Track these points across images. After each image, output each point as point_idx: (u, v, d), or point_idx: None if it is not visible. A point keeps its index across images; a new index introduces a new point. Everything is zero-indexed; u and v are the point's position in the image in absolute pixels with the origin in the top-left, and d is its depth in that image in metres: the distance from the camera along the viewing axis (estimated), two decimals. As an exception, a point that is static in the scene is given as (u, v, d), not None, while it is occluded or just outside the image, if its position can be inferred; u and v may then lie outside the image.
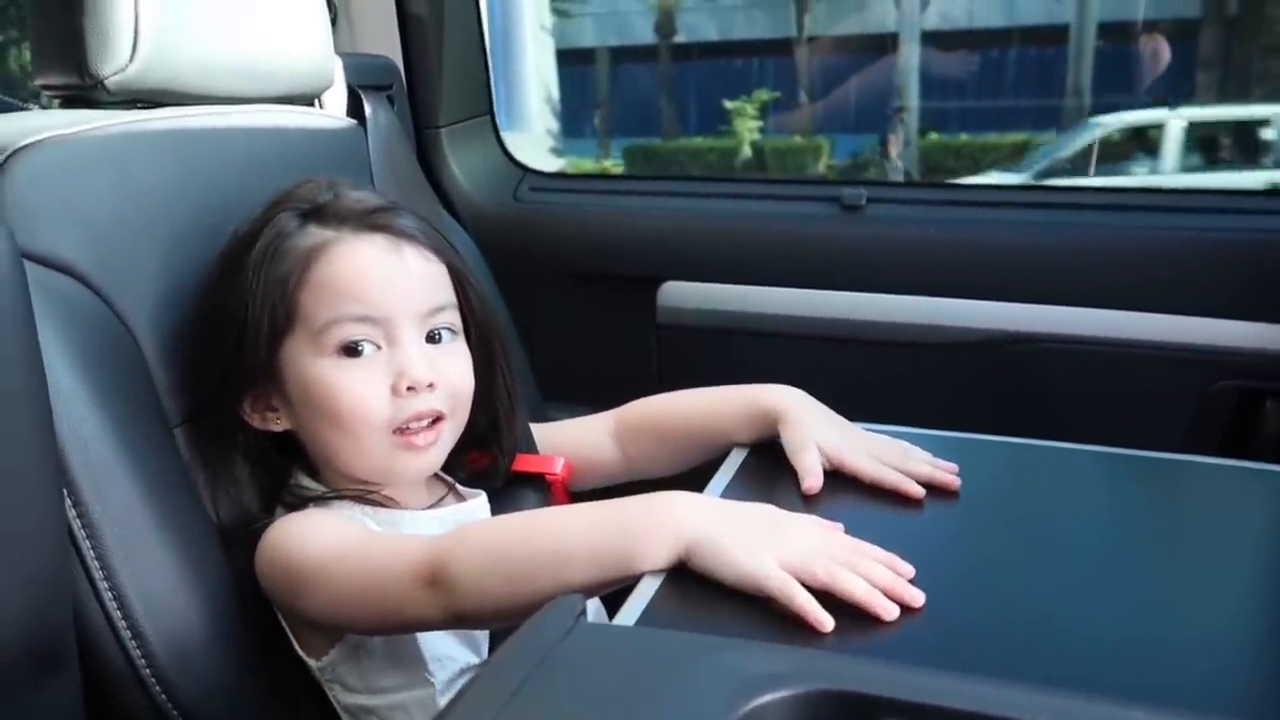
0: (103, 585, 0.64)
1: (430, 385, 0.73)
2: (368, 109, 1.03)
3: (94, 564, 0.64)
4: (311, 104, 0.98)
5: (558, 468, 0.88)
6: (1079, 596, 0.57)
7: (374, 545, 0.69)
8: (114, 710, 0.66)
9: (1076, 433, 0.82)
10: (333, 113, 1.02)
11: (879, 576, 0.55)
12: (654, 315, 1.28)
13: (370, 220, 0.75)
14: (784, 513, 0.61)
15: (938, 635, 0.52)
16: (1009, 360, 1.13)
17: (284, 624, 0.74)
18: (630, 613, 0.52)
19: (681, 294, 1.26)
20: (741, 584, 0.55)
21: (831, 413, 0.80)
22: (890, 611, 0.53)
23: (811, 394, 0.98)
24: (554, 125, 9.22)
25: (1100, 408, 1.11)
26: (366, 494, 0.76)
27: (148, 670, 0.65)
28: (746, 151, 9.14)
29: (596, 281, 1.31)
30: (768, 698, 0.37)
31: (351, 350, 0.72)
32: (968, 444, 0.80)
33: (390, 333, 0.73)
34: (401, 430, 0.73)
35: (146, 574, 0.66)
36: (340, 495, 0.76)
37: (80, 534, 0.64)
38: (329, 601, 0.69)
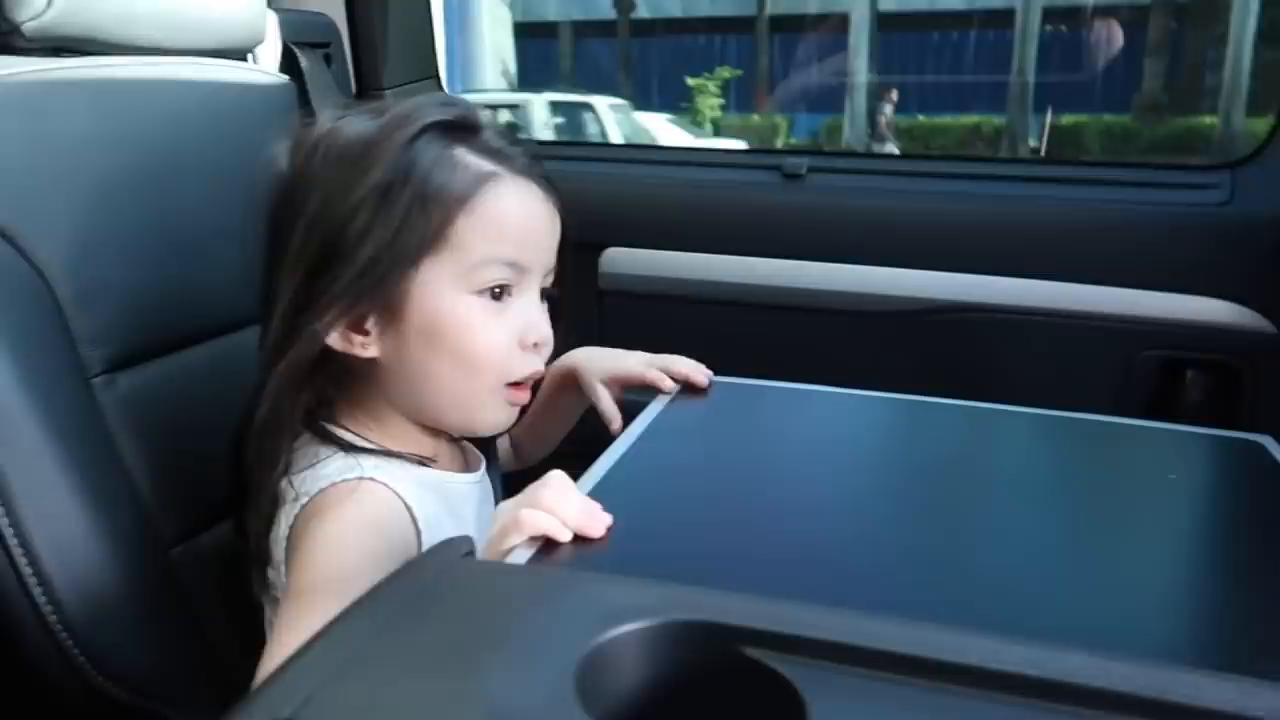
0: (8, 531, 0.64)
1: (550, 345, 0.71)
2: (303, 65, 1.02)
3: None
4: (243, 59, 0.96)
5: None
6: (995, 544, 0.58)
7: None
8: (19, 656, 0.65)
9: (1009, 399, 0.84)
10: (265, 69, 1.00)
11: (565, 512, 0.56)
12: (596, 281, 1.28)
13: (529, 165, 0.70)
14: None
15: (839, 579, 0.53)
16: (944, 328, 1.15)
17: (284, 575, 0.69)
18: (523, 553, 0.53)
19: (624, 260, 1.27)
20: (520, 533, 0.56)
21: (608, 350, 0.87)
22: (563, 534, 0.55)
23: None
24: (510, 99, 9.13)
25: (1032, 375, 1.13)
26: (408, 454, 0.71)
27: (54, 617, 0.65)
28: (704, 128, 9.15)
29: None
30: (622, 629, 0.38)
31: (498, 294, 0.68)
32: (902, 405, 0.82)
33: (523, 283, 0.70)
34: (513, 383, 0.71)
35: (54, 520, 0.65)
36: (388, 451, 0.70)
37: None
38: (287, 618, 0.63)
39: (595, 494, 0.60)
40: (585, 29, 11.00)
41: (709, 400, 0.82)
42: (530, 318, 0.70)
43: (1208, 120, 7.56)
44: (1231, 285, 1.06)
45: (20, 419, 0.65)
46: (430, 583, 0.41)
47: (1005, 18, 8.84)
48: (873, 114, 8.73)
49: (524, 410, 0.75)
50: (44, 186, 0.72)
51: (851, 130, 8.79)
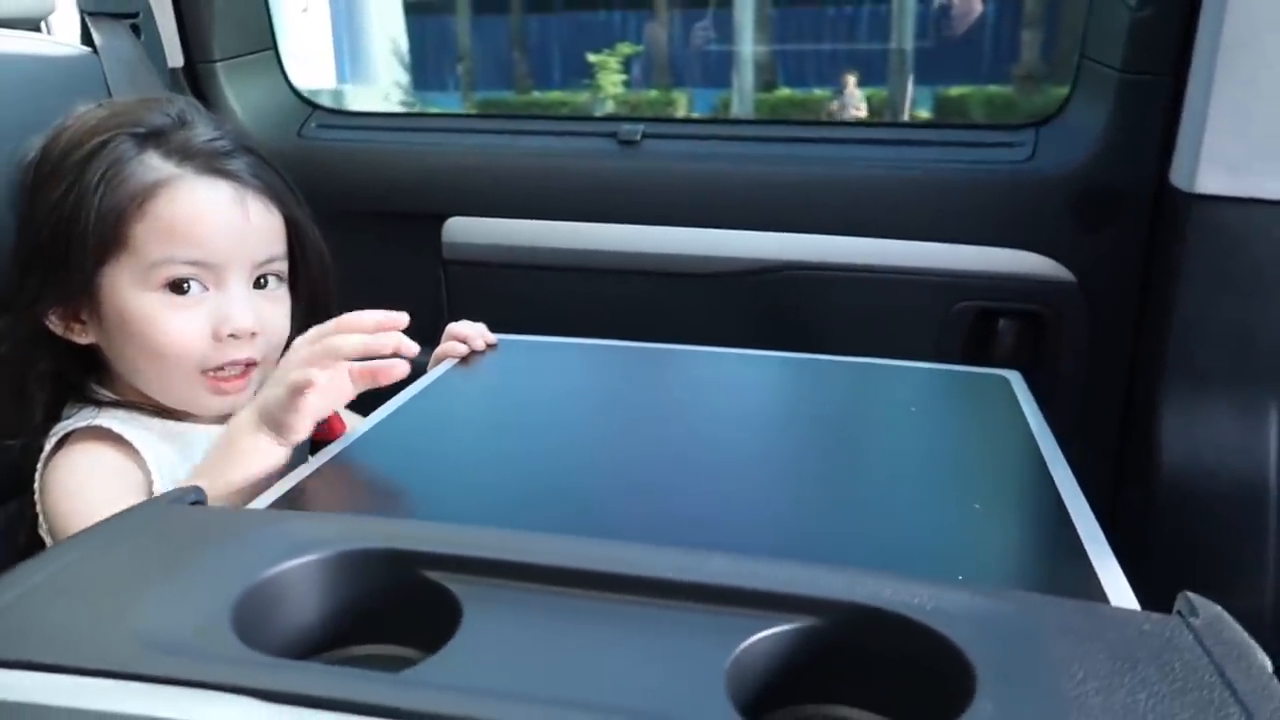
0: None
1: (253, 334, 0.75)
2: (99, 38, 0.99)
3: None
4: (36, 29, 0.93)
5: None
6: (730, 478, 0.61)
7: None
8: None
9: (838, 353, 0.88)
10: (61, 40, 0.97)
11: (365, 324, 0.64)
12: (440, 251, 1.28)
13: (217, 164, 0.74)
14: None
15: (569, 515, 0.56)
16: (775, 287, 1.19)
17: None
18: (264, 499, 0.54)
19: (466, 230, 1.27)
20: (292, 410, 0.63)
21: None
22: (385, 345, 0.63)
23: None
24: (403, 78, 8.99)
25: (858, 330, 1.18)
26: (157, 408, 0.78)
27: None
28: (604, 105, 9.13)
29: (382, 219, 1.30)
30: (292, 562, 0.40)
31: (178, 288, 0.73)
32: (691, 355, 0.85)
33: (220, 277, 0.74)
34: (213, 372, 0.75)
35: None
36: (131, 405, 0.77)
37: None
38: None
39: (358, 446, 0.61)
40: (482, 5, 10.83)
41: (495, 359, 0.84)
42: (225, 310, 0.74)
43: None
44: (1037, 238, 1.12)
45: None
46: (134, 526, 0.42)
47: (892, -9, 9.01)
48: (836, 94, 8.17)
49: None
50: None
51: (740, 104, 8.83)
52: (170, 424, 0.79)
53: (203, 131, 0.76)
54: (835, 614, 0.37)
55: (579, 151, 1.26)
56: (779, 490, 0.59)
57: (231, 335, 0.74)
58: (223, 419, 0.83)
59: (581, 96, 9.32)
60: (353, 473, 0.59)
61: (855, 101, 7.87)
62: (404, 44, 9.77)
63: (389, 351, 0.63)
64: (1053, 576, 0.47)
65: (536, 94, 9.94)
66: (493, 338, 0.85)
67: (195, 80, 1.27)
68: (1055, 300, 1.12)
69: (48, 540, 0.75)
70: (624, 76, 9.65)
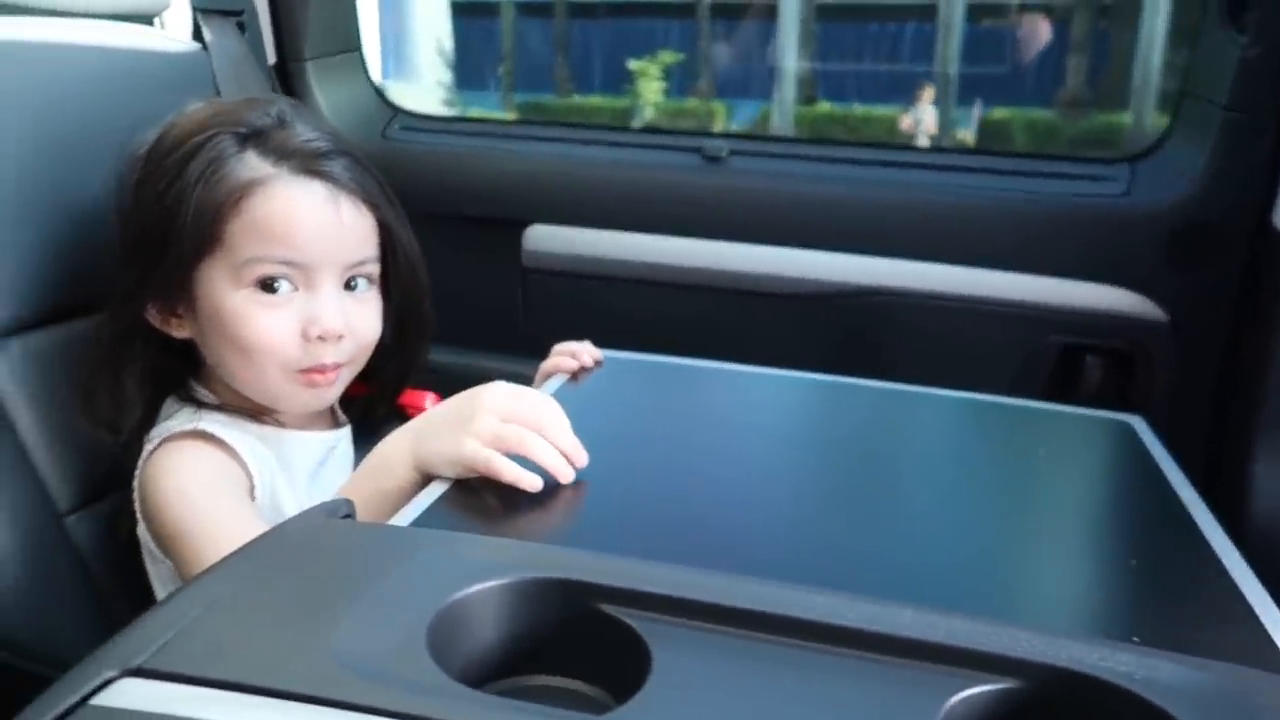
0: None
1: (340, 337, 0.75)
2: (209, 34, 1.00)
3: None
4: (151, 24, 0.94)
5: (427, 404, 0.92)
6: (869, 515, 0.60)
7: (229, 540, 0.68)
8: None
9: (918, 381, 0.87)
10: (173, 35, 0.98)
11: (563, 440, 0.61)
12: (519, 258, 1.28)
13: (313, 164, 0.74)
14: (475, 391, 0.65)
15: (715, 545, 0.56)
16: (855, 310, 1.17)
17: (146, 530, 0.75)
18: (408, 514, 0.54)
19: (546, 238, 1.27)
20: (457, 471, 0.60)
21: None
22: (567, 474, 0.60)
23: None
24: (446, 77, 9.03)
25: (940, 358, 1.17)
26: (256, 413, 0.78)
27: None
28: (642, 113, 9.13)
29: (463, 223, 1.30)
30: (479, 586, 0.39)
31: (269, 286, 0.73)
32: (801, 382, 0.84)
33: (310, 278, 0.74)
34: (303, 370, 0.75)
35: None
36: (229, 408, 0.78)
37: None
38: (184, 571, 0.71)
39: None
40: (527, 9, 10.89)
41: (606, 376, 0.83)
42: (314, 311, 0.74)
43: (1127, 117, 7.80)
44: (1128, 274, 1.10)
45: None
46: (298, 542, 0.42)
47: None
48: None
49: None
50: (-66, 147, 0.71)
51: (780, 118, 8.79)
52: (266, 429, 0.79)
53: (301, 132, 0.76)
54: (1039, 677, 0.36)
55: (664, 165, 1.25)
56: (929, 535, 0.58)
57: (319, 337, 0.74)
58: (311, 422, 0.84)
59: (621, 103, 9.33)
60: (486, 492, 0.58)
61: (928, 117, 7.38)
62: (448, 44, 9.82)
63: (565, 482, 0.61)
64: (1232, 642, 0.46)
65: (577, 98, 9.96)
66: (599, 354, 0.84)
67: (286, 77, 1.28)
68: (1145, 338, 1.10)
69: (145, 539, 0.76)
70: (664, 85, 9.66)
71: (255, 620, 0.37)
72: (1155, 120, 6.85)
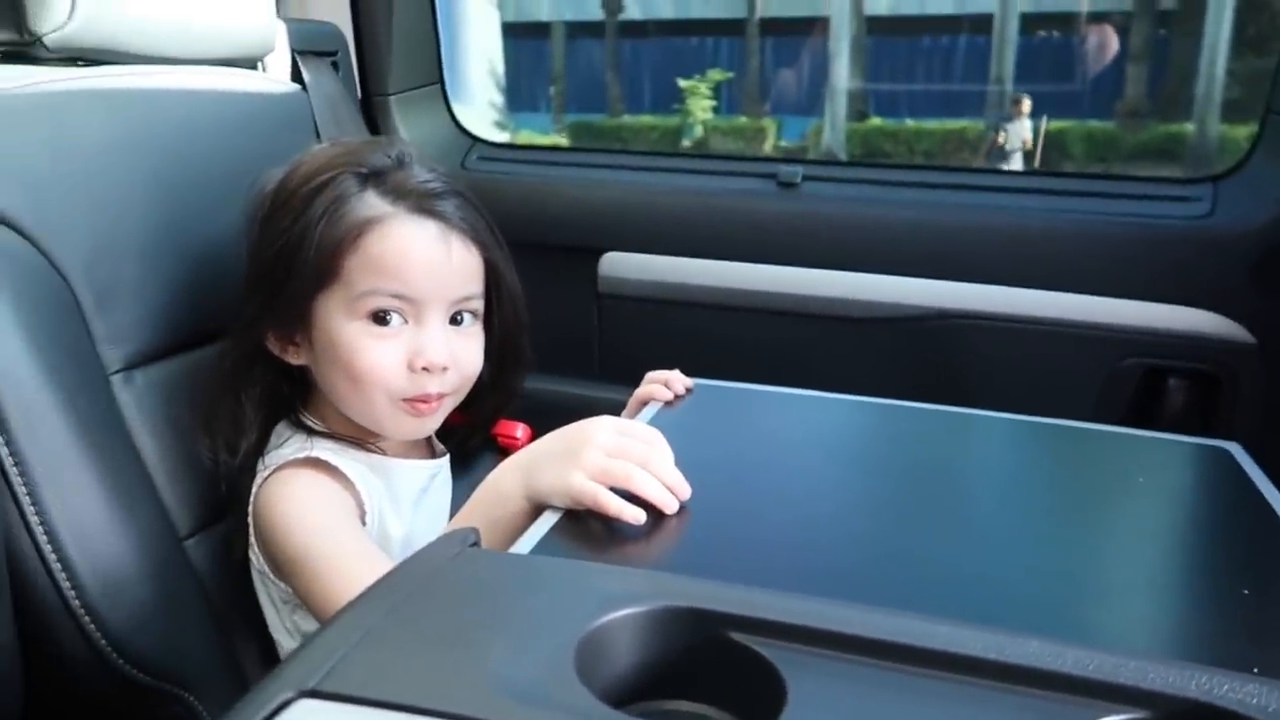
0: (33, 519, 0.66)
1: (444, 368, 0.78)
2: (307, 75, 1.04)
3: (25, 498, 0.66)
4: (254, 68, 0.99)
5: (518, 433, 0.96)
6: (970, 544, 0.61)
7: (348, 564, 0.73)
8: (45, 640, 0.68)
9: (996, 405, 0.87)
10: (275, 77, 1.02)
11: (667, 474, 0.62)
12: (595, 285, 1.30)
13: (427, 204, 0.78)
14: (583, 424, 0.66)
15: (822, 573, 0.57)
16: (934, 335, 1.17)
17: (259, 553, 0.79)
18: (526, 542, 0.56)
19: (622, 264, 1.29)
20: (565, 503, 0.62)
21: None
22: (671, 506, 0.61)
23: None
24: (498, 98, 9.14)
25: (1018, 382, 1.16)
26: (361, 441, 0.82)
27: (77, 602, 0.67)
28: (693, 131, 9.17)
29: (540, 251, 1.32)
30: (618, 614, 0.41)
31: (380, 319, 0.77)
32: (882, 409, 0.85)
33: (419, 312, 0.78)
34: (408, 399, 0.79)
35: (76, 509, 0.68)
36: (338, 436, 0.81)
37: (11, 468, 0.66)
38: (301, 593, 0.75)
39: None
40: (576, 29, 11.00)
41: (695, 404, 0.85)
42: (421, 344, 0.77)
43: (1189, 127, 7.64)
44: (1213, 296, 1.09)
45: (45, 414, 0.68)
46: (437, 570, 0.44)
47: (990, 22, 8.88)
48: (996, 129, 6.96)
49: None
50: (65, 192, 0.75)
51: (831, 134, 8.74)
52: (373, 456, 0.82)
53: (418, 173, 0.79)
54: (1169, 708, 0.37)
55: (738, 192, 1.27)
56: (1037, 564, 0.59)
57: (424, 368, 0.77)
58: (412, 450, 0.87)
59: (672, 121, 9.37)
60: (595, 521, 0.60)
61: (1023, 132, 6.67)
62: (499, 66, 9.94)
63: (669, 514, 0.62)
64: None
65: (627, 118, 10.02)
66: (690, 382, 0.86)
67: (371, 112, 1.32)
68: (1231, 361, 1.09)
69: (257, 562, 0.79)
70: (714, 102, 9.70)
71: (411, 645, 0.39)
72: (1219, 130, 6.70)
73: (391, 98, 1.33)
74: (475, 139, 1.43)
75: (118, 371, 0.77)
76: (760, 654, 0.40)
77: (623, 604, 0.42)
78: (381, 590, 0.43)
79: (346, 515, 0.76)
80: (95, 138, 0.78)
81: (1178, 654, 0.50)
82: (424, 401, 0.79)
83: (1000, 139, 6.73)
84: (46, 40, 0.77)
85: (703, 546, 0.59)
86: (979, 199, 1.21)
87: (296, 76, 1.05)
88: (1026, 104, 6.82)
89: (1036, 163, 6.75)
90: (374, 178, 0.78)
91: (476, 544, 0.50)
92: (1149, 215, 1.13)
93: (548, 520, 0.60)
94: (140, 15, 0.82)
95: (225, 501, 0.81)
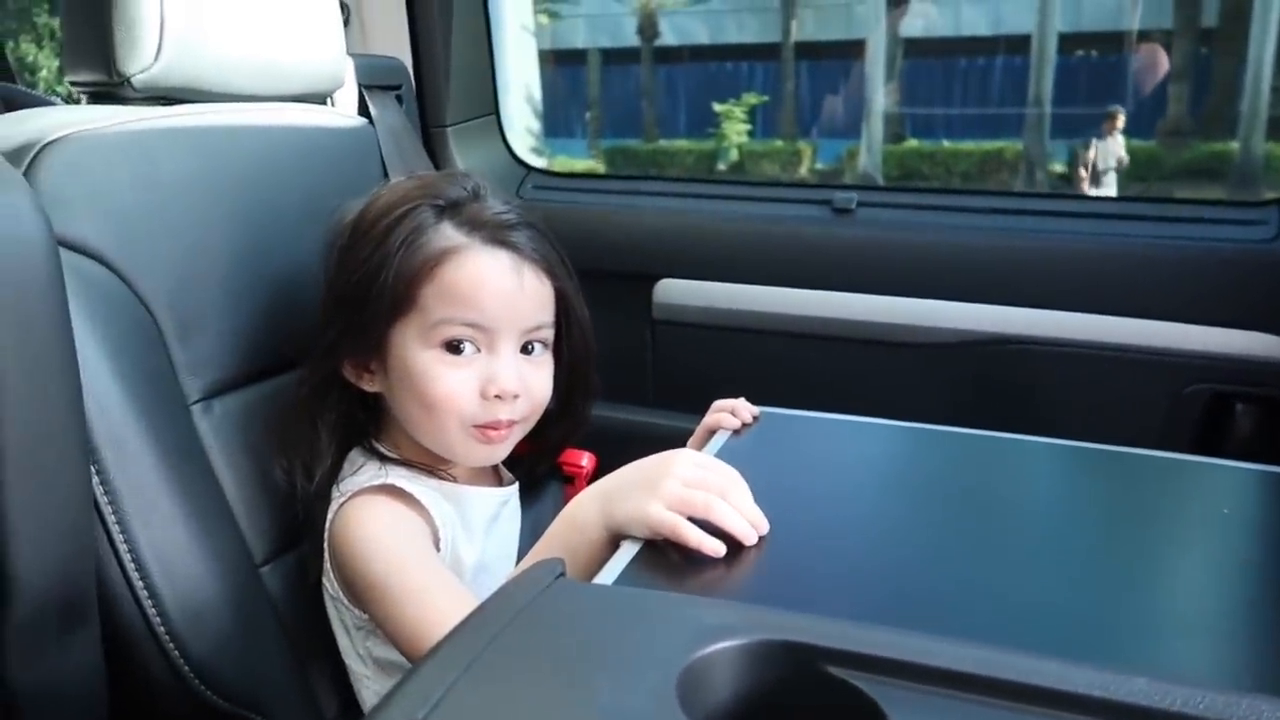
0: (122, 546, 0.68)
1: (515, 396, 0.80)
2: (374, 108, 1.07)
3: (114, 526, 0.68)
4: (324, 103, 1.01)
5: (583, 462, 0.97)
6: (1045, 576, 0.61)
7: (425, 592, 0.73)
8: (131, 666, 0.70)
9: (1056, 431, 0.86)
10: (344, 112, 1.05)
11: (746, 507, 0.62)
12: (650, 311, 1.31)
13: (501, 235, 0.80)
14: (662, 456, 0.66)
15: (899, 605, 0.57)
16: (992, 360, 1.17)
17: (334, 579, 0.80)
18: (609, 573, 0.56)
19: (677, 291, 1.30)
20: (644, 533, 0.62)
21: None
22: (751, 538, 0.61)
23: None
24: (535, 124, 9.21)
25: (1080, 408, 1.15)
26: (433, 468, 0.83)
27: (162, 628, 0.69)
28: (728, 155, 9.19)
29: (595, 278, 1.33)
30: (716, 646, 0.41)
31: (454, 347, 0.78)
32: (950, 437, 0.85)
33: (492, 340, 0.79)
34: (480, 425, 0.80)
35: (161, 537, 0.70)
36: (411, 464, 0.82)
37: (102, 498, 0.68)
38: (378, 619, 0.76)
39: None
40: (612, 56, 11.11)
41: (763, 433, 0.85)
42: (493, 372, 0.79)
43: (1234, 145, 7.54)
44: (1278, 319, 1.07)
45: (133, 445, 0.70)
46: (530, 603, 0.45)
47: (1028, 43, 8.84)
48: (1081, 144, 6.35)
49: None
50: (149, 225, 0.78)
51: (868, 157, 8.72)
52: (445, 484, 0.84)
53: (492, 205, 0.81)
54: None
55: (793, 218, 1.27)
56: (1103, 592, 0.59)
57: (497, 396, 0.79)
58: (482, 477, 0.88)
59: (707, 145, 9.42)
60: (674, 553, 0.60)
61: (1117, 149, 6.08)
62: (536, 92, 10.00)
63: (748, 545, 0.61)
64: None
65: (663, 142, 10.08)
66: (756, 410, 0.87)
67: (429, 143, 1.34)
68: (1300, 386, 1.07)
69: (332, 588, 0.80)
70: (749, 126, 9.73)
71: (515, 679, 0.40)
72: (1265, 148, 6.58)
73: (449, 129, 1.35)
74: (530, 168, 1.45)
75: (198, 401, 0.79)
76: (858, 688, 0.40)
77: (720, 637, 0.42)
78: (478, 622, 0.44)
79: (423, 542, 0.77)
80: (178, 173, 0.80)
81: (1262, 689, 0.49)
82: (494, 429, 0.80)
83: (1091, 156, 6.10)
84: (134, 81, 0.79)
85: (781, 577, 0.59)
86: (1036, 224, 1.20)
87: (363, 110, 1.08)
88: (1120, 118, 6.24)
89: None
90: (450, 209, 0.79)
91: (564, 575, 0.51)
92: (1212, 239, 1.12)
93: (628, 551, 0.60)
94: (220, 55, 0.85)
95: (299, 528, 0.83)
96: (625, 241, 1.33)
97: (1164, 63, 7.55)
